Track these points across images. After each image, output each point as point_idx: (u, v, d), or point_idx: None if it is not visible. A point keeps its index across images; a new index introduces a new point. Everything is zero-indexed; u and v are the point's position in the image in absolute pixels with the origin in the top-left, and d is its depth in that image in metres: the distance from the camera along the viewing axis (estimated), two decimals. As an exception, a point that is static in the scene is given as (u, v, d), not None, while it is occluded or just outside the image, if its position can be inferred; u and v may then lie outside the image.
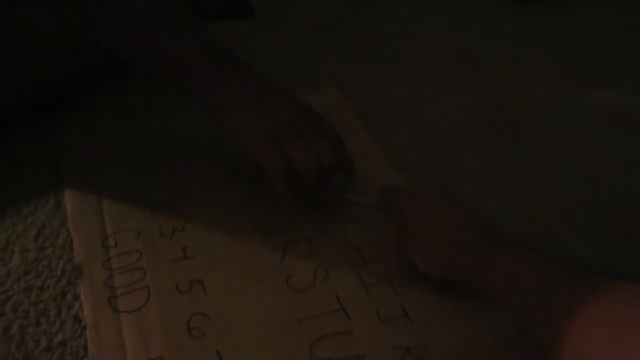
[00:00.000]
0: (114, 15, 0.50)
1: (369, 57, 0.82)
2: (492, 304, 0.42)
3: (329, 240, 0.52)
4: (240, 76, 0.51)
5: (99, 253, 0.49)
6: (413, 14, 0.94)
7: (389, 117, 0.69)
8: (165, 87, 0.55)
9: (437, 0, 0.98)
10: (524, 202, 0.58)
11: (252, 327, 0.44)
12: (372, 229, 0.53)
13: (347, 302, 0.47)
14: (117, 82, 0.69)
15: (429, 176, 0.60)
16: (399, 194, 0.51)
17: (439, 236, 0.45)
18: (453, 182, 0.60)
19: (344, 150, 0.53)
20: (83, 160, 0.59)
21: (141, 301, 0.45)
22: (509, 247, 0.41)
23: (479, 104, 0.72)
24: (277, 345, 0.43)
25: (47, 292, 0.46)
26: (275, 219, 0.53)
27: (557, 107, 0.73)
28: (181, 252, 0.50)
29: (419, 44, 0.85)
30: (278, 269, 0.49)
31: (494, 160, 0.63)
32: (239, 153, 0.51)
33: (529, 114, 0.71)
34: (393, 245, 0.51)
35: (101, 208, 0.53)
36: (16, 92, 0.61)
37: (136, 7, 0.50)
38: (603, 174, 0.62)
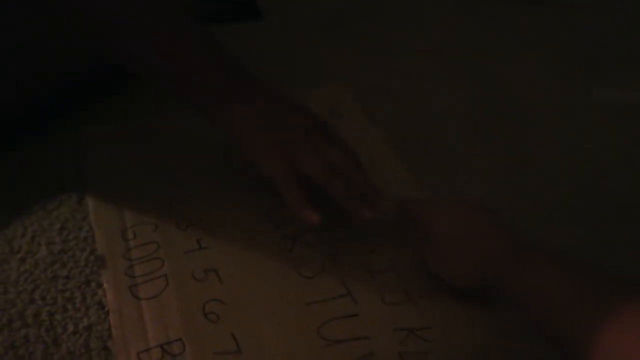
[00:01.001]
0: (117, 25, 0.50)
1: (375, 53, 0.84)
2: (519, 312, 0.42)
3: (335, 230, 0.55)
4: (247, 90, 0.51)
5: (119, 245, 0.52)
6: (418, 11, 0.96)
7: (394, 111, 0.71)
8: (170, 97, 0.55)
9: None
10: (525, 196, 0.60)
11: (264, 312, 0.47)
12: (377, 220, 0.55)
13: (353, 287, 0.49)
14: (124, 82, 0.72)
15: (433, 171, 0.62)
16: (419, 206, 0.50)
17: (464, 247, 0.45)
18: (456, 176, 0.62)
19: (356, 156, 0.53)
20: (102, 159, 0.62)
21: (160, 288, 0.48)
22: (535, 256, 0.41)
23: (482, 99, 0.74)
24: (287, 327, 0.46)
25: (72, 280, 0.49)
26: (284, 210, 0.55)
27: (559, 102, 0.75)
28: (196, 244, 0.53)
29: (424, 41, 0.87)
30: (288, 257, 0.52)
31: (497, 154, 0.65)
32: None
33: (532, 109, 0.73)
34: (414, 257, 0.50)
35: (120, 203, 0.56)
36: (25, 97, 0.63)
37: (139, 17, 0.51)
38: (606, 170, 0.63)
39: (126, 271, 0.50)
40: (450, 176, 0.62)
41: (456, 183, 0.61)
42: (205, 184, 0.59)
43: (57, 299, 0.48)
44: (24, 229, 0.54)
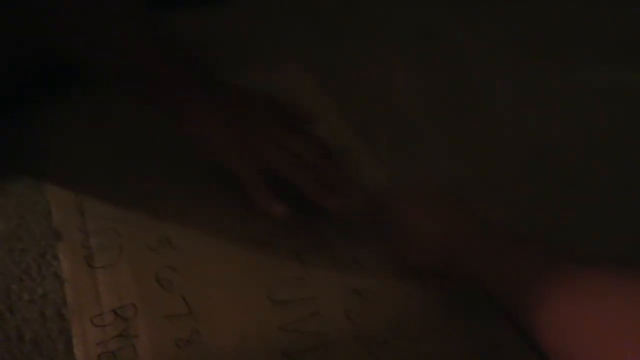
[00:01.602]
0: (73, 22, 0.49)
1: (341, 36, 0.85)
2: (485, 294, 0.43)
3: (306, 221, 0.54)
4: (209, 89, 0.51)
5: (75, 218, 0.53)
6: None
7: (357, 93, 0.73)
8: (130, 97, 0.55)
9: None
10: (491, 176, 0.61)
11: (215, 277, 0.49)
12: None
13: (302, 251, 0.51)
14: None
15: (397, 151, 0.63)
16: (389, 194, 0.50)
17: (431, 235, 0.46)
18: (420, 156, 0.64)
19: (325, 147, 0.53)
20: (62, 137, 0.62)
21: (114, 257, 0.50)
22: (499, 240, 0.42)
23: (448, 81, 0.76)
24: (237, 290, 0.48)
25: (28, 253, 0.50)
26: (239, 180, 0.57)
27: (525, 85, 0.76)
28: (152, 215, 0.54)
29: (391, 26, 0.88)
30: (240, 225, 0.53)
31: (462, 135, 0.67)
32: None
33: (497, 91, 0.75)
34: (383, 245, 0.50)
35: (77, 179, 0.57)
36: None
37: (94, 12, 0.49)
38: (570, 150, 0.65)
39: (82, 242, 0.51)
40: (414, 156, 0.63)
41: (421, 163, 0.63)
42: (162, 159, 0.60)
43: (12, 271, 0.49)
44: (-20, 206, 0.55)
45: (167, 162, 0.59)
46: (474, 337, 0.45)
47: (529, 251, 0.39)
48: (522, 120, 0.70)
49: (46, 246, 0.51)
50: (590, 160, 0.64)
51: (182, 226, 0.53)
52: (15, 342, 0.44)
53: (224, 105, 0.51)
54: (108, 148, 0.61)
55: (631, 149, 0.65)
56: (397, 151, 0.64)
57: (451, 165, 0.62)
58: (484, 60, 0.81)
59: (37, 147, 0.61)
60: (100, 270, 0.49)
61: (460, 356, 0.44)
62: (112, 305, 0.46)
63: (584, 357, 0.30)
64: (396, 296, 0.48)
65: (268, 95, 0.54)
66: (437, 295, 0.49)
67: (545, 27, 0.89)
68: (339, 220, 0.54)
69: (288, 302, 0.47)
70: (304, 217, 0.53)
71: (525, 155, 0.64)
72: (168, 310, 0.46)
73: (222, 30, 0.84)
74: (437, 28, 0.88)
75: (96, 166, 0.59)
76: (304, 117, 0.55)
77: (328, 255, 0.51)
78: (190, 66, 0.52)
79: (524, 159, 0.64)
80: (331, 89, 0.72)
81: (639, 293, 0.29)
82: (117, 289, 0.47)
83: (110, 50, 0.50)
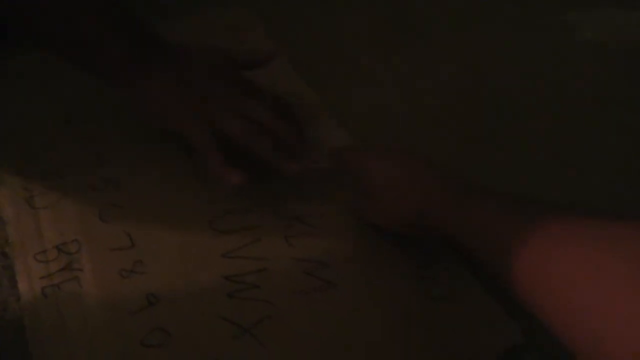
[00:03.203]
0: None
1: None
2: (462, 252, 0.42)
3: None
4: (160, 57, 0.49)
5: (15, 162, 0.53)
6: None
7: (302, 33, 0.73)
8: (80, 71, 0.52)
9: None
10: (430, 109, 0.63)
11: (160, 213, 0.50)
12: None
13: (247, 187, 0.52)
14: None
15: (338, 87, 0.64)
16: (353, 155, 0.49)
17: (401, 195, 0.45)
18: (361, 88, 0.65)
19: (286, 107, 0.52)
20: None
21: (56, 198, 0.50)
22: (472, 195, 0.41)
23: (389, 18, 0.76)
24: (181, 224, 0.49)
25: (-33, 198, 0.51)
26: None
27: (467, 20, 0.77)
28: (95, 158, 0.54)
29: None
30: (187, 162, 0.54)
31: (401, 66, 0.68)
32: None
33: (437, 26, 0.75)
34: (351, 208, 0.50)
35: (16, 127, 0.57)
36: None
37: None
38: (507, 84, 0.66)
39: (22, 185, 0.51)
40: (355, 88, 0.64)
41: (360, 95, 0.64)
42: (107, 102, 0.59)
43: (-47, 215, 0.49)
44: None
45: (113, 106, 0.58)
46: (405, 256, 0.48)
47: (495, 202, 0.39)
48: (466, 58, 0.72)
49: (-14, 191, 0.51)
50: (530, 97, 0.66)
51: (125, 166, 0.53)
52: (-42, 280, 0.45)
53: (177, 74, 0.49)
54: (48, 96, 0.60)
55: (573, 88, 0.67)
56: (348, 96, 0.64)
57: (402, 108, 0.64)
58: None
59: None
60: (42, 211, 0.49)
61: (393, 272, 0.47)
62: (55, 242, 0.47)
63: (565, 302, 0.29)
64: (334, 221, 0.50)
65: (222, 54, 0.52)
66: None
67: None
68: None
69: (230, 231, 0.49)
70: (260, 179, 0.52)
71: (471, 94, 0.66)
72: (111, 244, 0.47)
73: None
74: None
75: (37, 113, 0.58)
76: (262, 59, 0.54)
77: (270, 188, 0.53)
78: (142, 36, 0.50)
79: (471, 99, 0.65)
80: (277, 34, 0.72)
81: (608, 236, 0.29)
82: (60, 227, 0.48)
83: (65, 27, 0.47)
